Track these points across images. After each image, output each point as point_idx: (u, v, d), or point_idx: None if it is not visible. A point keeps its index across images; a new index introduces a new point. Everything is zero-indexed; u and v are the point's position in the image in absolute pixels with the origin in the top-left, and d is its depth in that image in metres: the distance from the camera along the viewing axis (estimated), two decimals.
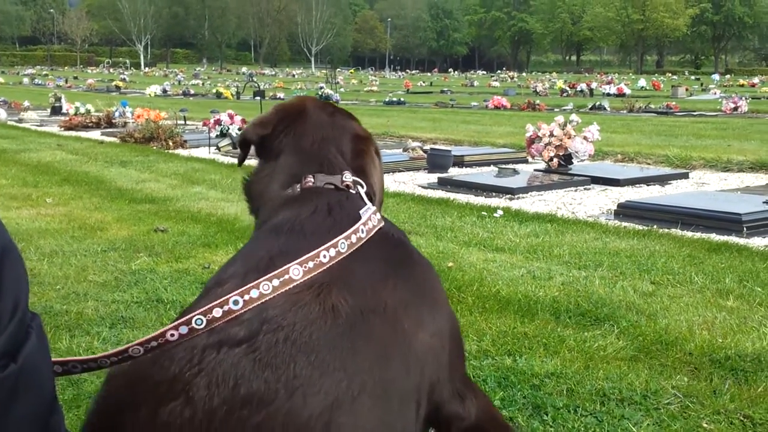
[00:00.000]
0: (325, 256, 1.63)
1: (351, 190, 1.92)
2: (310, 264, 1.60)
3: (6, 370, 1.38)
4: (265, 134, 2.12)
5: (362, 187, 1.95)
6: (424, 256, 1.84)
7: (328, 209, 1.82)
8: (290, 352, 1.45)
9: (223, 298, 1.53)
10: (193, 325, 1.52)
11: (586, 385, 3.17)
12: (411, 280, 1.70)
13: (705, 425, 2.84)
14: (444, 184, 9.54)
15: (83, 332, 3.88)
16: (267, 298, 1.54)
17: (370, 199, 1.96)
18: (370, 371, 1.49)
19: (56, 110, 23.57)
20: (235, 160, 11.72)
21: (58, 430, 1.58)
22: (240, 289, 1.54)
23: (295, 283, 1.57)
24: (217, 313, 1.52)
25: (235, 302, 1.53)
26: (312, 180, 1.94)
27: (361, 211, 1.79)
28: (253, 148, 2.19)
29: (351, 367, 1.47)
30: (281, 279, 1.56)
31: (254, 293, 1.54)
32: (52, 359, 1.57)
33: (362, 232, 1.72)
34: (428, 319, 1.67)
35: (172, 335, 1.52)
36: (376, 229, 1.78)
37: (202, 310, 1.52)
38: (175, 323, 1.52)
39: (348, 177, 1.95)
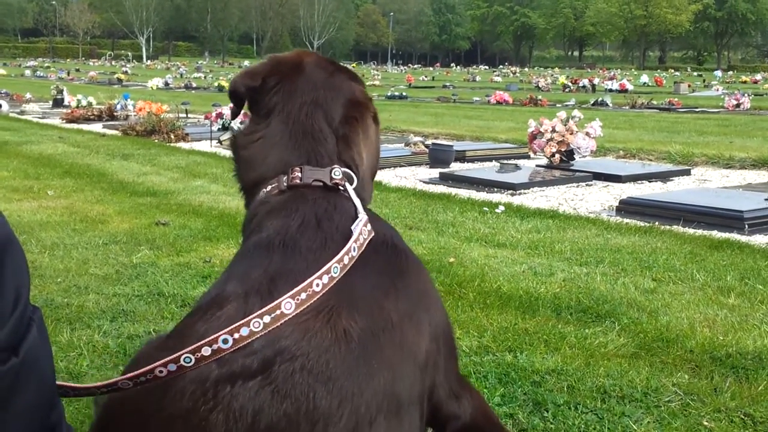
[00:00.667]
0: (318, 285, 1.58)
1: (340, 187, 1.85)
2: (303, 296, 1.56)
3: (7, 364, 1.38)
4: (254, 86, 2.02)
5: (351, 182, 1.87)
6: (413, 254, 1.82)
7: (317, 222, 1.75)
8: (308, 382, 1.43)
9: (212, 337, 1.49)
10: (182, 363, 1.49)
11: (587, 382, 3.17)
12: (409, 288, 1.69)
13: (705, 423, 2.84)
14: (445, 179, 9.53)
15: (84, 325, 3.88)
16: (257, 336, 1.50)
17: (360, 194, 1.88)
18: (383, 392, 1.49)
19: (58, 102, 23.57)
20: None
21: (59, 424, 1.58)
22: (230, 327, 1.50)
23: (286, 318, 1.52)
24: (206, 352, 1.49)
25: (225, 341, 1.49)
26: (299, 175, 1.86)
27: (352, 227, 1.73)
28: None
29: (368, 392, 1.47)
30: (272, 315, 1.52)
31: (244, 331, 1.50)
32: None
33: (354, 250, 1.67)
34: (426, 325, 1.67)
35: (161, 372, 1.50)
36: (368, 241, 1.72)
37: (191, 348, 1.49)
38: (164, 360, 1.50)
39: (337, 173, 1.86)
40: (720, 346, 3.57)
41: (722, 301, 4.31)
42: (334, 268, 1.61)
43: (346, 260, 1.64)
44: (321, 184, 1.85)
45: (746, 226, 6.45)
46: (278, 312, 1.52)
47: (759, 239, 6.17)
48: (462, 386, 1.79)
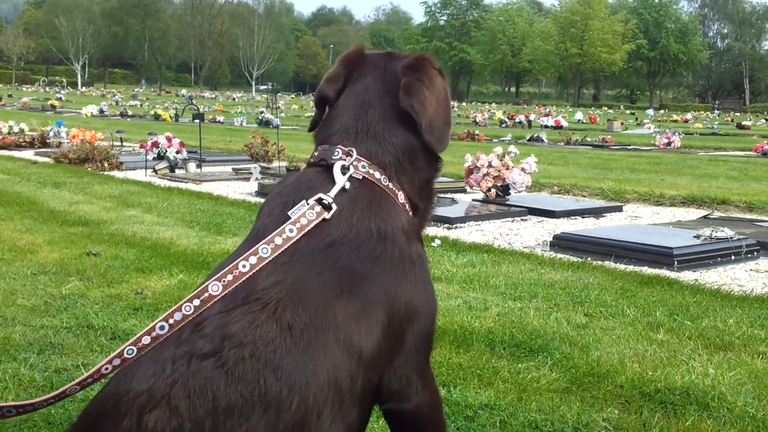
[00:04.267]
0: (244, 266, 1.71)
1: (337, 165, 1.92)
2: (229, 277, 1.69)
3: None
4: (340, 89, 2.11)
5: (345, 161, 1.93)
6: (411, 250, 1.87)
7: (283, 204, 1.88)
8: (257, 368, 1.58)
9: (150, 326, 1.65)
10: (125, 355, 1.63)
11: (519, 417, 3.19)
12: (371, 289, 1.76)
13: None
14: None
15: (10, 358, 3.78)
16: (191, 317, 1.65)
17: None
18: (329, 385, 1.63)
19: None
20: (173, 183, 11.70)
21: None
22: (165, 314, 1.66)
23: (215, 300, 1.67)
24: (146, 340, 1.64)
25: (161, 327, 1.65)
26: (316, 154, 2.00)
27: (290, 211, 1.83)
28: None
29: (314, 385, 1.61)
30: (201, 298, 1.67)
31: (177, 316, 1.65)
32: None
33: (291, 231, 1.76)
34: (380, 324, 1.74)
35: (107, 369, 1.64)
36: (315, 222, 1.79)
37: (132, 341, 1.63)
38: (109, 357, 1.64)
39: (337, 154, 1.95)
40: (649, 381, 3.63)
41: (652, 336, 4.38)
42: (263, 249, 1.73)
43: (279, 240, 1.74)
44: (324, 164, 1.95)
45: (675, 262, 6.58)
46: (206, 295, 1.67)
47: (688, 276, 6.29)
48: (420, 378, 1.85)
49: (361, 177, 1.92)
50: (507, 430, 3.09)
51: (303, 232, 1.77)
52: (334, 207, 1.83)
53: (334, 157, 1.94)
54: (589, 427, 3.13)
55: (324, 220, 1.80)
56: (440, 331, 4.29)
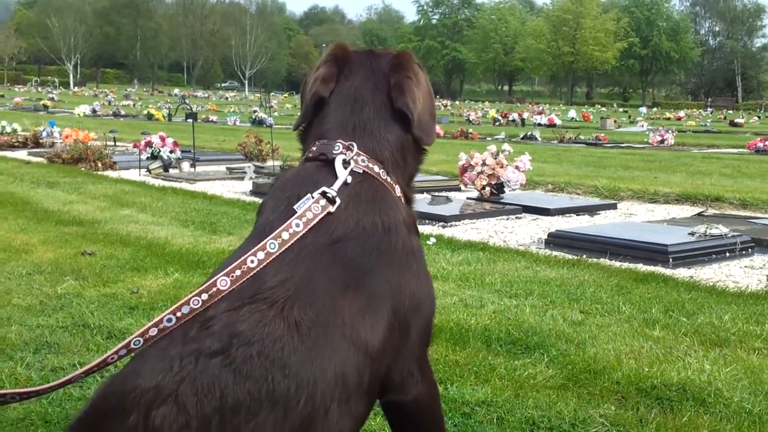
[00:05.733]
0: (252, 261, 1.72)
1: (338, 159, 1.94)
2: (238, 272, 1.70)
3: None
4: (334, 89, 2.14)
5: (346, 155, 1.95)
6: (412, 242, 1.90)
7: (287, 199, 1.88)
8: (265, 366, 1.58)
9: (157, 318, 1.66)
10: (132, 346, 1.66)
11: (516, 414, 3.19)
12: (376, 283, 1.78)
13: None
14: None
15: (6, 357, 3.78)
16: (199, 310, 1.66)
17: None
18: (335, 382, 1.64)
19: None
20: (167, 183, 11.67)
21: None
22: (172, 307, 1.67)
23: (223, 294, 1.68)
24: (153, 332, 1.66)
25: (169, 320, 1.66)
26: (314, 149, 2.01)
27: (295, 206, 1.83)
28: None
29: (321, 382, 1.62)
30: (209, 292, 1.68)
31: (185, 309, 1.67)
32: None
33: (298, 226, 1.78)
34: (386, 318, 1.76)
35: (112, 359, 1.67)
36: (321, 216, 1.80)
37: (139, 332, 1.65)
38: (116, 348, 1.67)
39: (337, 148, 1.96)
40: (645, 377, 3.63)
41: (647, 333, 4.39)
42: (271, 244, 1.74)
43: (285, 236, 1.75)
44: (324, 158, 1.96)
45: (670, 259, 6.60)
46: (214, 289, 1.68)
47: (683, 272, 6.31)
48: (420, 370, 1.88)
49: (361, 171, 1.94)
50: (504, 426, 3.09)
51: (309, 227, 1.78)
52: (338, 200, 1.84)
53: (335, 152, 1.95)
54: (585, 423, 3.14)
55: (329, 213, 1.81)
56: (437, 329, 4.29)
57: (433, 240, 7.17)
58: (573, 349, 4.05)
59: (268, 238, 1.75)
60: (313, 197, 1.83)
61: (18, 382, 3.47)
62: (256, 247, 1.73)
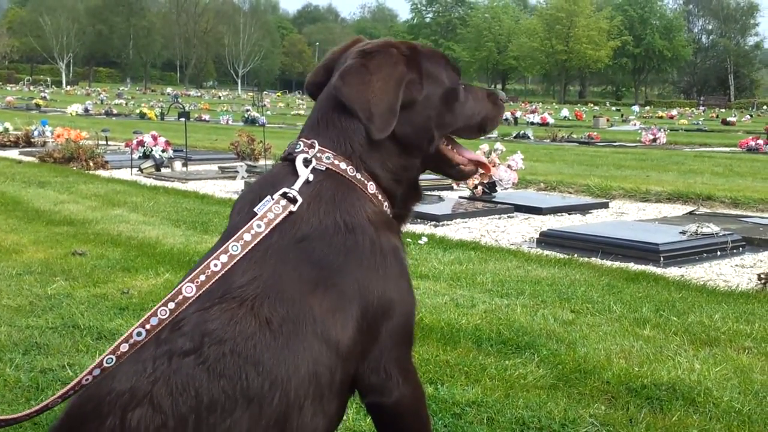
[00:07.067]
0: (216, 265, 1.73)
1: (299, 158, 1.91)
2: (202, 277, 1.71)
3: None
4: (313, 81, 2.12)
5: (307, 153, 1.91)
6: (382, 241, 1.86)
7: (251, 201, 1.88)
8: (238, 364, 1.60)
9: (127, 333, 1.66)
10: (105, 365, 1.65)
11: (507, 414, 3.19)
12: (345, 282, 1.76)
13: None
14: None
15: None
16: (167, 321, 1.67)
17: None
18: (308, 380, 1.65)
19: None
20: (158, 182, 11.66)
21: None
22: (141, 320, 1.67)
23: (189, 302, 1.68)
24: (124, 348, 1.66)
25: (139, 333, 1.67)
26: (286, 149, 2.00)
27: (256, 208, 1.83)
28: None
29: (295, 379, 1.63)
30: (176, 301, 1.69)
31: (154, 321, 1.67)
32: None
33: (259, 227, 1.77)
34: (356, 318, 1.75)
35: (87, 380, 1.66)
36: (282, 217, 1.79)
37: (110, 350, 1.66)
38: (89, 368, 1.67)
39: (299, 147, 1.94)
40: (635, 377, 3.64)
41: (638, 332, 4.40)
42: (233, 247, 1.75)
43: (247, 237, 1.75)
44: (290, 158, 1.95)
45: (662, 258, 6.61)
46: (180, 297, 1.69)
47: (674, 271, 6.32)
48: (401, 372, 1.86)
49: (324, 168, 1.90)
50: (494, 426, 3.09)
51: (271, 227, 1.78)
52: (300, 199, 1.82)
53: (296, 151, 1.94)
54: (576, 423, 3.14)
55: (291, 213, 1.80)
56: (427, 329, 4.30)
57: (424, 239, 7.17)
58: (563, 348, 4.05)
59: (230, 240, 1.76)
60: (273, 198, 1.82)
61: (7, 383, 3.46)
62: (218, 251, 1.74)
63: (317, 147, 1.92)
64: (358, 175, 1.92)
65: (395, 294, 1.85)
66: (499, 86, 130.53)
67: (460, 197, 10.50)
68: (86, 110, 40.63)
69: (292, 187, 1.84)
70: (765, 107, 79.00)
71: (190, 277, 1.71)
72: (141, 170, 13.29)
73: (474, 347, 4.05)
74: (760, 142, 21.34)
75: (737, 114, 56.60)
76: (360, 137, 1.93)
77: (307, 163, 1.89)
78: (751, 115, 58.65)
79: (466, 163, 2.14)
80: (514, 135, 26.71)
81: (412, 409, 1.89)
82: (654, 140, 23.85)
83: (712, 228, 7.34)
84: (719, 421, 3.18)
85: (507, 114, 40.43)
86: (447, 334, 4.22)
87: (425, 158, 2.05)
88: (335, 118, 1.95)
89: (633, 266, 6.32)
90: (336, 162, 1.91)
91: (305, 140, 1.95)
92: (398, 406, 1.85)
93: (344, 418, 2.28)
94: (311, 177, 1.87)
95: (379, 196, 1.95)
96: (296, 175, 1.87)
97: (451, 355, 3.91)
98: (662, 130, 25.78)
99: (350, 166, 1.92)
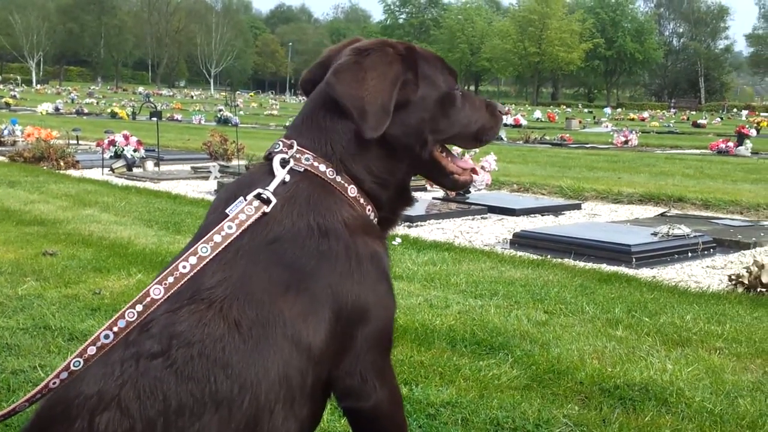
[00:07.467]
0: (185, 267, 1.70)
1: (276, 159, 1.88)
2: (170, 279, 1.69)
3: None
4: (308, 78, 2.09)
5: (285, 153, 1.88)
6: (357, 244, 1.82)
7: (225, 201, 1.86)
8: (207, 366, 1.58)
9: (94, 336, 1.64)
10: (72, 368, 1.63)
11: (481, 414, 3.20)
12: (319, 286, 1.73)
13: None
14: None
15: None
16: (135, 323, 1.64)
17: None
18: (279, 383, 1.63)
19: None
20: (130, 182, 11.58)
21: None
22: (108, 322, 1.65)
23: (157, 304, 1.66)
24: (92, 351, 1.63)
25: (106, 336, 1.64)
26: (268, 149, 1.97)
27: (228, 209, 1.80)
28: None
29: (265, 382, 1.61)
30: (143, 303, 1.66)
31: (121, 323, 1.65)
32: None
33: (230, 228, 1.74)
34: (328, 321, 1.73)
35: (54, 383, 1.63)
36: (254, 218, 1.76)
37: (77, 352, 1.63)
38: (56, 371, 1.63)
39: (278, 147, 1.92)
40: (608, 377, 3.66)
41: (611, 333, 4.42)
42: (203, 248, 1.72)
43: (218, 238, 1.73)
44: (269, 159, 1.92)
45: (634, 259, 6.65)
46: (148, 299, 1.66)
47: (645, 272, 6.36)
48: (378, 376, 1.83)
49: (302, 170, 1.86)
50: (469, 427, 3.10)
51: (242, 228, 1.75)
52: (273, 200, 1.79)
53: (275, 151, 1.91)
54: (549, 423, 3.15)
55: (264, 214, 1.77)
56: (401, 330, 4.29)
57: (398, 240, 7.17)
58: (537, 349, 4.07)
59: (200, 242, 1.73)
60: (245, 199, 1.79)
61: None
62: (188, 252, 1.72)
63: (296, 147, 1.88)
64: (338, 178, 1.88)
65: (371, 298, 1.81)
66: (472, 88, 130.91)
67: (434, 198, 10.51)
68: (57, 109, 40.33)
69: (267, 188, 1.80)
70: (735, 110, 79.75)
71: (158, 279, 1.69)
72: (112, 170, 13.19)
73: (448, 348, 4.06)
74: (731, 144, 21.57)
75: (708, 116, 57.11)
76: (343, 139, 1.89)
77: (284, 163, 1.86)
78: (722, 118, 59.24)
79: (460, 173, 2.12)
80: None
81: (388, 414, 1.87)
82: (626, 142, 24.02)
83: (683, 229, 7.41)
84: (691, 421, 3.20)
85: None
86: (421, 335, 4.22)
87: (417, 163, 2.02)
88: (320, 118, 1.91)
89: (605, 267, 6.36)
90: (315, 164, 1.87)
91: (285, 140, 1.92)
92: (376, 410, 1.83)
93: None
94: (288, 178, 1.84)
95: (361, 200, 1.91)
96: (273, 176, 1.84)
97: (426, 355, 3.91)
98: (634, 132, 25.98)
99: (330, 169, 1.88)
